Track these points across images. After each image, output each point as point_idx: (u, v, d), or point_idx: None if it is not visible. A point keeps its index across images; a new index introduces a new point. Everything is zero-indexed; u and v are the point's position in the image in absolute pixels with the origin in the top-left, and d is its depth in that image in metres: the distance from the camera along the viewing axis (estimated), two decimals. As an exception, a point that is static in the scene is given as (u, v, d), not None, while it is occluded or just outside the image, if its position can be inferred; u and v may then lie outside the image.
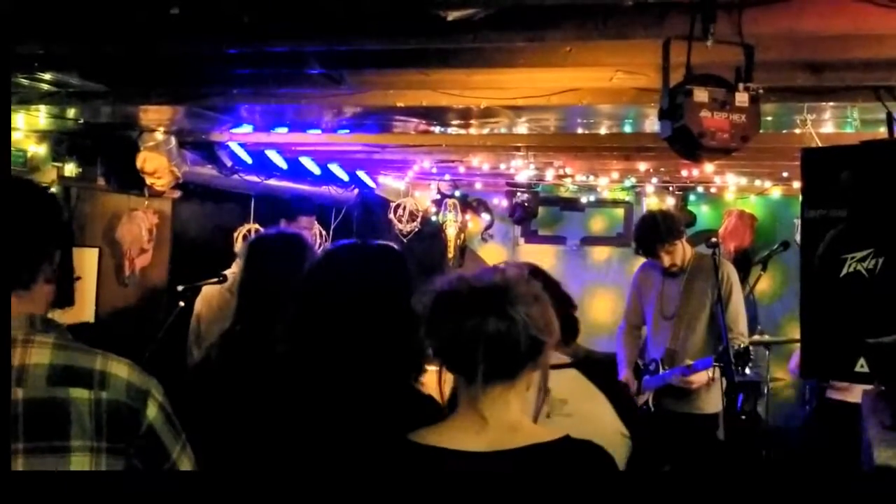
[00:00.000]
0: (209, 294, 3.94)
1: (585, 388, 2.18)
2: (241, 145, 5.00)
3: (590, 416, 2.06)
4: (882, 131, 3.57)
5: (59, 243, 1.61)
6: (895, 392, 2.41)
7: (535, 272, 2.18)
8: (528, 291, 1.48)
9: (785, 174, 5.54)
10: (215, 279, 3.86)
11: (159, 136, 4.59)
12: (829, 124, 4.05)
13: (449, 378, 1.53)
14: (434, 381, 2.08)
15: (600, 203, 7.00)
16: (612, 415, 2.21)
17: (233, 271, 3.90)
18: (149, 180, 4.64)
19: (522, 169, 5.89)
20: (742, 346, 3.90)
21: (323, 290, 1.92)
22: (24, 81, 3.52)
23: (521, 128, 4.58)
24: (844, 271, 2.78)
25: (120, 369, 1.53)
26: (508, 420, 1.46)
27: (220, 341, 2.59)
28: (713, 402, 4.02)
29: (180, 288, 3.83)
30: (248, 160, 5.10)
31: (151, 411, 1.53)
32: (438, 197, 6.91)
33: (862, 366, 2.56)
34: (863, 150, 2.98)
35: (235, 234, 5.10)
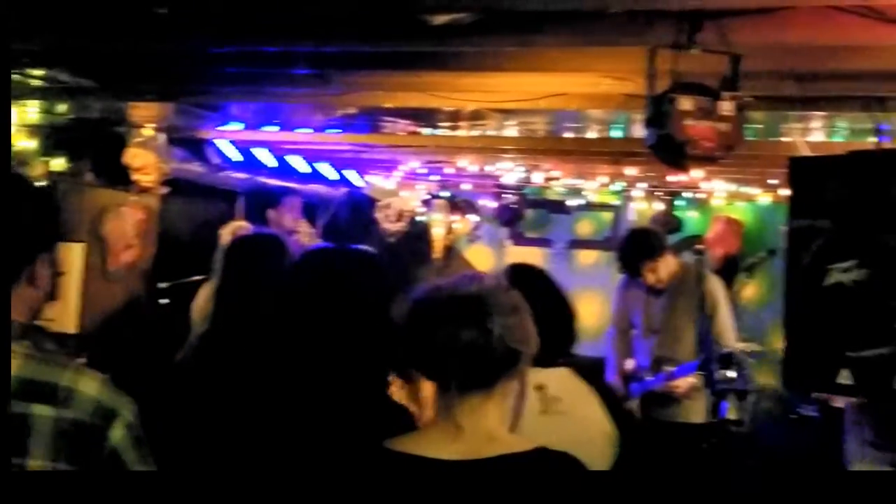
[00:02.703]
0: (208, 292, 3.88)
1: (578, 386, 2.17)
2: (231, 142, 4.99)
3: (582, 415, 2.05)
4: (871, 141, 3.59)
5: (46, 245, 1.55)
6: (878, 406, 2.42)
7: (537, 275, 2.16)
8: (505, 301, 1.46)
9: (773, 181, 5.55)
10: (201, 277, 3.83)
11: (148, 132, 4.58)
12: (817, 133, 4.07)
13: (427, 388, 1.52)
14: (427, 389, 2.07)
15: (588, 206, 7.00)
16: (603, 415, 2.21)
17: None
18: (136, 176, 4.62)
19: (510, 171, 5.90)
20: (726, 351, 3.89)
21: (298, 295, 1.92)
22: (16, 77, 3.53)
23: (510, 130, 4.58)
24: (828, 282, 2.79)
25: (89, 386, 1.44)
26: (485, 429, 1.45)
27: (196, 343, 2.56)
28: (698, 411, 4.01)
29: (164, 285, 3.80)
30: (237, 157, 5.09)
31: (117, 433, 1.43)
32: (426, 197, 6.90)
33: (845, 378, 2.57)
34: (850, 160, 3.00)
35: (221, 231, 5.05)
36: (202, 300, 3.90)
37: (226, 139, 4.95)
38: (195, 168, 5.04)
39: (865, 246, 2.73)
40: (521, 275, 2.04)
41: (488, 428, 1.45)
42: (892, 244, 2.70)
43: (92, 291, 4.75)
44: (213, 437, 1.94)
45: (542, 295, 1.88)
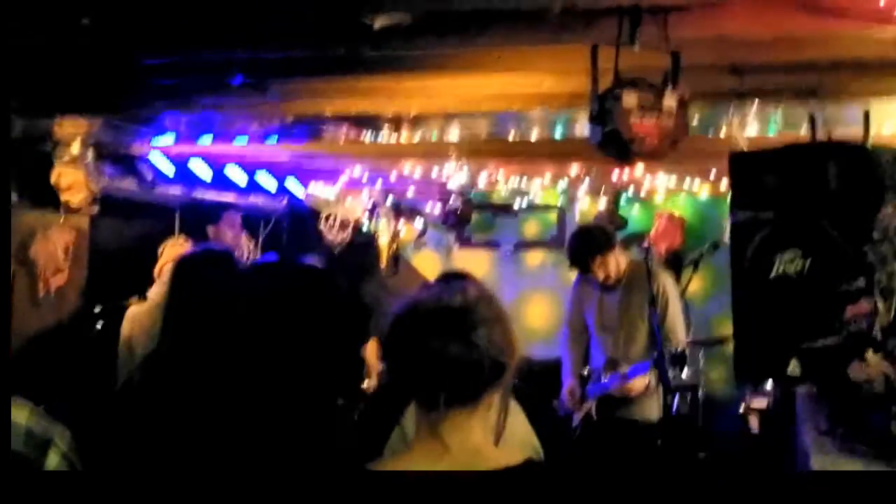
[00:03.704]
0: (137, 315, 3.77)
1: None
2: (164, 156, 4.84)
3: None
4: (804, 132, 3.65)
5: None
6: (829, 395, 2.44)
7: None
8: (489, 313, 1.42)
9: (712, 175, 5.64)
10: (136, 299, 3.70)
11: (75, 149, 4.40)
12: (753, 126, 4.13)
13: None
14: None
15: (533, 207, 7.01)
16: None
17: (157, 291, 3.76)
18: (64, 196, 4.44)
19: (455, 175, 5.86)
20: (678, 349, 3.92)
21: (247, 312, 1.86)
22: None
23: (453, 134, 4.55)
24: (773, 273, 2.82)
25: (18, 416, 1.40)
26: (471, 446, 1.40)
27: (143, 364, 2.48)
28: (652, 409, 4.04)
29: (98, 309, 3.66)
30: (171, 172, 4.94)
31: (52, 461, 1.41)
32: (370, 205, 6.82)
33: (794, 367, 2.60)
34: (787, 152, 3.04)
35: (160, 249, 4.92)
36: (135, 322, 3.77)
37: (159, 153, 4.80)
38: (127, 185, 4.87)
39: (807, 235, 2.76)
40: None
41: (475, 444, 1.40)
42: (831, 232, 2.74)
43: (21, 318, 4.55)
44: (170, 459, 1.87)
45: None
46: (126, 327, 3.77)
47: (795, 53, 2.83)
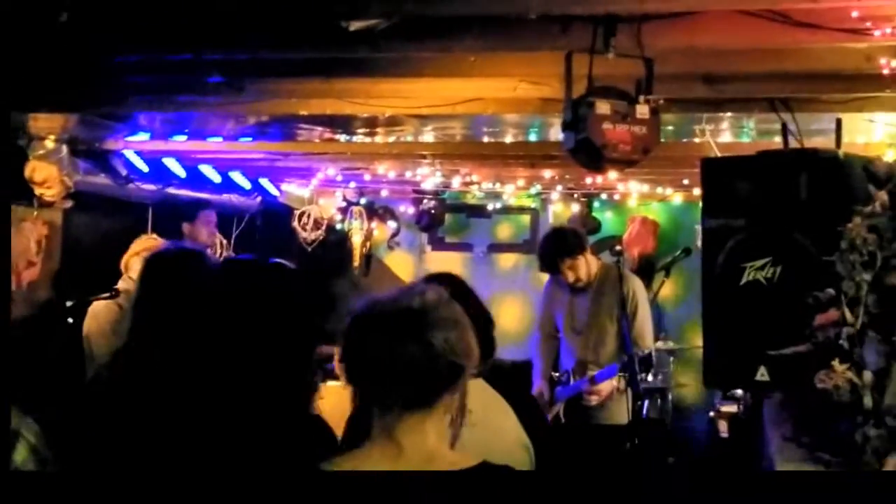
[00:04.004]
0: (97, 311, 3.76)
1: (492, 398, 2.17)
2: (138, 153, 4.81)
3: (494, 426, 2.06)
4: (777, 140, 3.70)
5: None
6: (795, 402, 2.47)
7: (457, 285, 2.14)
8: (447, 315, 1.43)
9: (685, 181, 5.69)
10: (107, 294, 3.67)
11: (49, 144, 4.38)
12: (726, 134, 4.18)
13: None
14: (336, 398, 2.03)
15: (506, 210, 7.03)
16: (517, 425, 2.21)
17: (124, 287, 3.74)
18: (38, 190, 4.42)
19: (429, 176, 5.87)
20: (645, 352, 3.96)
21: (215, 311, 1.85)
22: None
23: (427, 136, 4.56)
24: (744, 280, 2.84)
25: None
26: (425, 448, 1.41)
27: (112, 360, 2.46)
28: (621, 413, 4.07)
29: (69, 303, 3.64)
30: (145, 168, 4.91)
31: (20, 455, 1.41)
32: (344, 204, 6.81)
33: (763, 374, 2.62)
34: (760, 159, 3.07)
35: (132, 245, 4.88)
36: (94, 318, 3.76)
37: (133, 150, 4.77)
38: (101, 180, 4.84)
39: (778, 244, 2.79)
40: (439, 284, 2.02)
41: (429, 446, 1.41)
42: (802, 241, 2.77)
43: (-10, 313, 4.49)
44: (136, 455, 1.86)
45: (460, 304, 1.87)
46: (86, 323, 3.77)
47: (769, 64, 2.87)
